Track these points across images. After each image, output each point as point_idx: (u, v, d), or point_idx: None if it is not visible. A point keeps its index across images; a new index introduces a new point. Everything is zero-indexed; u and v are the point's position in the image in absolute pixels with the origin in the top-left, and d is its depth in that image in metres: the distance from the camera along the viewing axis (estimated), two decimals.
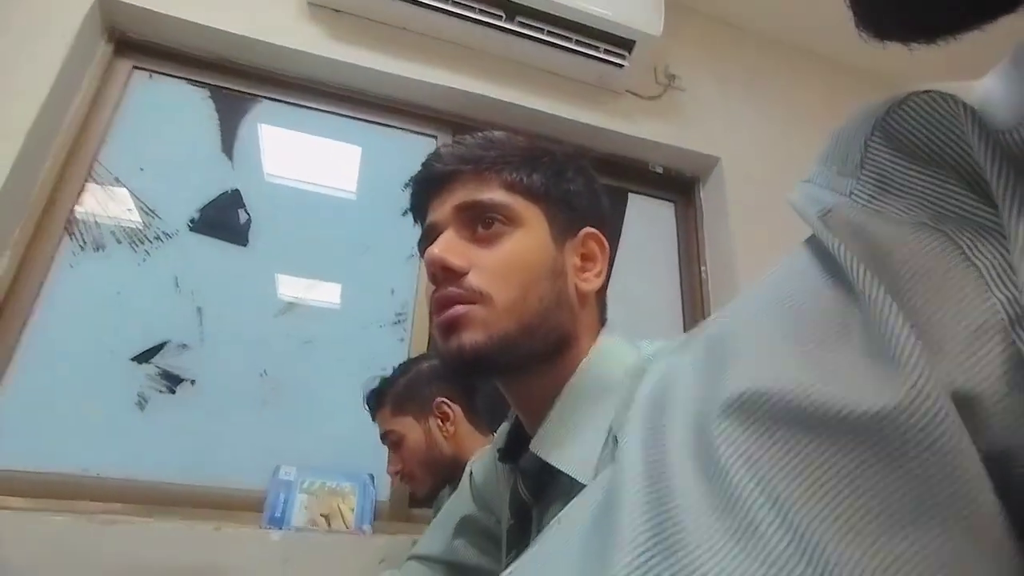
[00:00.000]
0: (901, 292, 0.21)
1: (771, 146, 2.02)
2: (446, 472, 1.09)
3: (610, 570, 0.20)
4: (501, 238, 0.56)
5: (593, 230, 0.61)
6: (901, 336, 0.20)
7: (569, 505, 0.29)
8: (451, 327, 0.53)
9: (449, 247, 0.55)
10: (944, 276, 0.21)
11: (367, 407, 1.19)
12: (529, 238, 0.57)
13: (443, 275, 0.55)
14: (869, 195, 0.24)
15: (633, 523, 0.21)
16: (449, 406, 1.08)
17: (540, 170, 0.59)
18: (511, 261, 0.55)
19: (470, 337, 0.52)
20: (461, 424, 1.09)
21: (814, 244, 0.25)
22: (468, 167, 0.58)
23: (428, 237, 0.60)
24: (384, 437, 1.16)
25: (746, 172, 1.95)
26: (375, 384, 1.18)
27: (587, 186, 0.63)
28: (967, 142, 0.22)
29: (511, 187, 0.58)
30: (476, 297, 0.53)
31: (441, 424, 1.08)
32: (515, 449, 0.61)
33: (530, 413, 0.58)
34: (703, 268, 1.93)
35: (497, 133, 0.63)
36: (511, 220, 0.57)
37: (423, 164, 0.62)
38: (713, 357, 0.25)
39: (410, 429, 1.11)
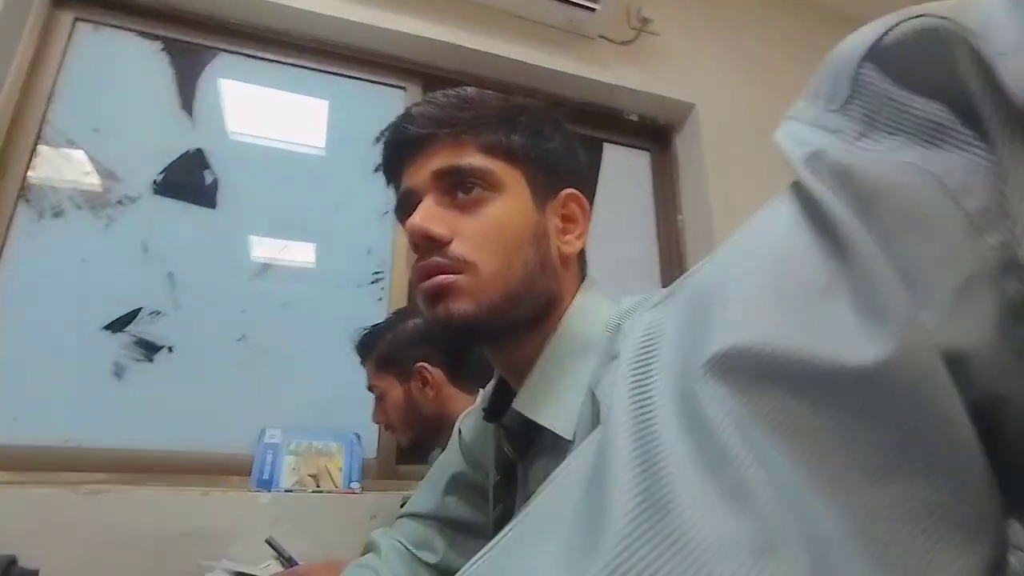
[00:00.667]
0: (890, 241, 0.20)
1: (747, 91, 2.00)
2: (429, 429, 1.11)
3: (604, 534, 0.20)
4: (483, 204, 0.55)
5: (573, 191, 0.60)
6: (889, 288, 0.20)
7: (559, 467, 0.29)
8: (437, 296, 0.53)
9: (430, 215, 0.54)
10: (933, 223, 0.20)
11: (357, 355, 1.20)
12: (511, 203, 0.56)
13: (425, 244, 0.54)
14: (857, 132, 0.23)
15: (623, 486, 0.21)
16: (429, 371, 1.09)
17: (519, 131, 0.58)
18: (494, 228, 0.54)
19: (458, 306, 0.52)
20: (443, 387, 1.10)
21: (799, 191, 0.24)
22: (445, 131, 0.56)
23: (405, 203, 0.58)
24: (370, 388, 1.17)
25: (722, 118, 1.94)
26: (362, 334, 1.19)
27: (565, 144, 0.62)
28: (960, 71, 0.21)
29: (490, 150, 0.56)
30: (461, 266, 0.53)
31: (421, 387, 1.09)
32: (499, 408, 0.62)
33: (514, 374, 0.59)
34: (680, 217, 1.93)
35: (470, 90, 0.60)
36: (492, 185, 0.55)
37: (395, 126, 0.60)
38: (696, 312, 0.25)
39: (391, 387, 1.13)
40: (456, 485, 0.75)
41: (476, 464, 0.73)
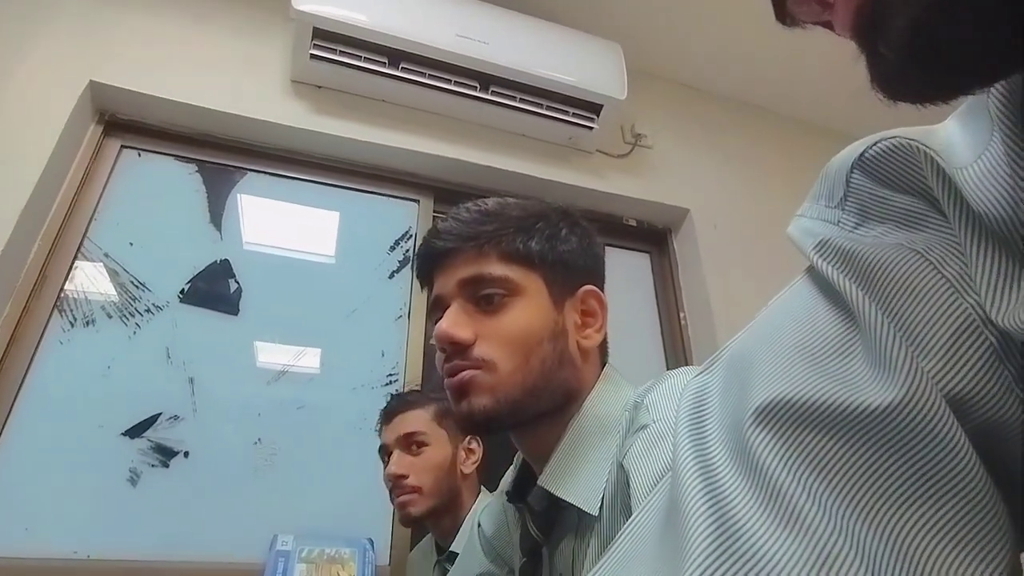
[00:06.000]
0: (890, 307, 0.26)
1: (736, 196, 2.14)
2: (446, 506, 1.09)
3: (686, 561, 0.23)
4: (504, 308, 0.61)
5: (591, 287, 0.66)
6: (894, 345, 0.25)
7: (637, 510, 0.32)
8: (461, 392, 0.59)
9: (455, 321, 0.61)
10: (924, 289, 0.25)
11: (388, 407, 1.17)
12: (529, 305, 0.62)
13: (451, 348, 0.60)
14: (854, 223, 0.30)
15: (698, 519, 0.24)
16: (477, 446, 1.14)
17: (535, 237, 0.64)
18: (513, 329, 0.60)
19: (478, 401, 0.58)
20: (476, 471, 1.13)
21: (813, 274, 0.30)
22: (468, 244, 0.64)
23: (436, 308, 0.65)
24: (406, 438, 1.09)
25: (715, 219, 2.06)
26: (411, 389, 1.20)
27: (581, 243, 0.68)
28: (928, 177, 0.27)
29: (508, 258, 0.63)
30: (480, 364, 0.59)
31: (464, 458, 1.12)
32: (523, 489, 0.65)
33: (538, 457, 0.62)
34: (682, 314, 1.99)
35: (490, 202, 0.68)
36: (511, 290, 0.62)
37: (425, 240, 0.68)
38: (736, 373, 0.30)
39: (440, 444, 1.10)
40: None
41: (498, 557, 0.74)
